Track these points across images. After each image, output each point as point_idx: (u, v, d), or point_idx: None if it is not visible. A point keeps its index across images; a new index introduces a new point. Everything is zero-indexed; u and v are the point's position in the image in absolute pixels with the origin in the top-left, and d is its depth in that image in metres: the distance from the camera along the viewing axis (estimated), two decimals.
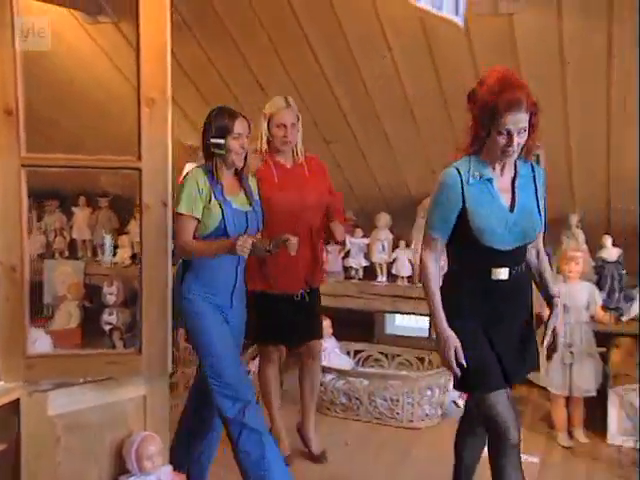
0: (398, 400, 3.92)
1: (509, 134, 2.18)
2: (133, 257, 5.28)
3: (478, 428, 2.63)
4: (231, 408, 2.66)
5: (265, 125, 3.10)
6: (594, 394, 3.73)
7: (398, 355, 4.49)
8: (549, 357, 2.63)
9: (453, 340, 2.32)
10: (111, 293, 5.16)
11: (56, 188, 5.41)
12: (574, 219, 4.16)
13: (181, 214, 2.59)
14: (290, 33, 3.41)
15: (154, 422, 2.65)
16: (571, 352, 3.70)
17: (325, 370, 4.08)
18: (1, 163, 2.26)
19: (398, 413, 3.92)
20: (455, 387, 2.57)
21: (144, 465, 2.53)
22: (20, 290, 2.32)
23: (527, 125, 2.20)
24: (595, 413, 3.79)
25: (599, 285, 3.97)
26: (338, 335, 4.49)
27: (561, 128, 3.55)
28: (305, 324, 3.31)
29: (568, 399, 3.79)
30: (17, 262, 2.31)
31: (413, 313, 4.58)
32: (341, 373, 4.12)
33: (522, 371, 2.57)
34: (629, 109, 3.25)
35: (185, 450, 2.88)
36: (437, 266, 2.39)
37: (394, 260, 4.49)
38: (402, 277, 4.47)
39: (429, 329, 5.17)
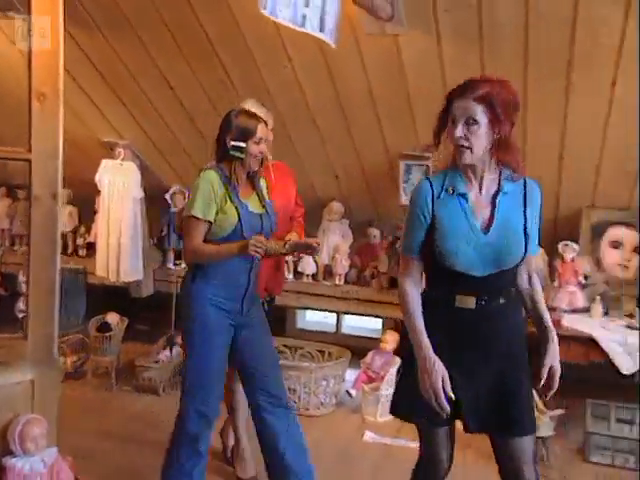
0: (296, 390, 4.03)
1: (454, 122, 1.96)
2: None
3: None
4: (196, 423, 2.67)
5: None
6: None
7: (301, 348, 4.57)
8: (544, 397, 2.19)
9: (441, 368, 1.98)
10: (23, 281, 5.09)
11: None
12: None
13: (194, 217, 2.50)
14: (196, 38, 3.44)
15: (41, 406, 2.63)
16: None
17: None
18: None
19: (295, 402, 4.01)
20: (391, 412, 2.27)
21: (27, 447, 2.51)
22: None
23: (478, 117, 1.92)
24: None
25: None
26: None
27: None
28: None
29: None
30: None
31: (316, 309, 4.70)
32: None
33: (496, 428, 2.12)
34: None
35: None
36: (416, 289, 2.08)
37: (299, 259, 4.58)
38: (307, 275, 4.57)
39: (336, 324, 5.34)
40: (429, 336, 2.01)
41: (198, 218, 2.50)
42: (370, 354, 4.27)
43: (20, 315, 5.00)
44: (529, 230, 2.05)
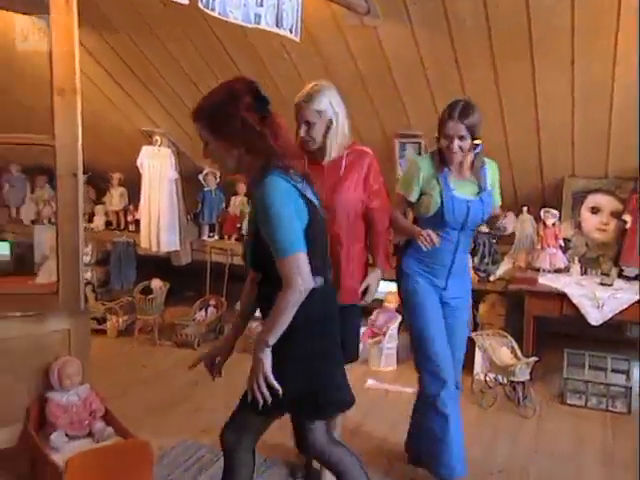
0: None
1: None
2: (107, 224, 5.51)
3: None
4: (430, 385, 2.62)
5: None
6: None
7: None
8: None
9: None
10: (86, 254, 5.39)
11: (46, 165, 5.61)
12: None
13: (397, 192, 2.62)
14: (209, 39, 3.59)
15: (76, 350, 2.88)
16: None
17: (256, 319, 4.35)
18: None
19: None
20: None
21: (64, 382, 2.76)
22: None
23: None
24: (467, 355, 4.05)
25: (473, 251, 4.21)
26: None
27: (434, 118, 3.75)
28: None
29: None
30: None
31: None
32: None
33: None
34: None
35: None
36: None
37: None
38: None
39: None
40: None
41: (399, 193, 2.62)
42: (375, 312, 4.40)
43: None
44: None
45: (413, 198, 2.58)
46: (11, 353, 2.73)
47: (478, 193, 2.54)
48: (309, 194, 1.93)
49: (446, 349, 2.61)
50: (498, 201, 2.70)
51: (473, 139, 2.44)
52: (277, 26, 2.27)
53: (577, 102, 3.32)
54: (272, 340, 1.84)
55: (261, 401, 1.87)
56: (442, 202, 2.49)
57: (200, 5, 1.87)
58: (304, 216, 1.86)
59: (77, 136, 2.58)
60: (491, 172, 2.61)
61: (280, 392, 1.86)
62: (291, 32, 2.39)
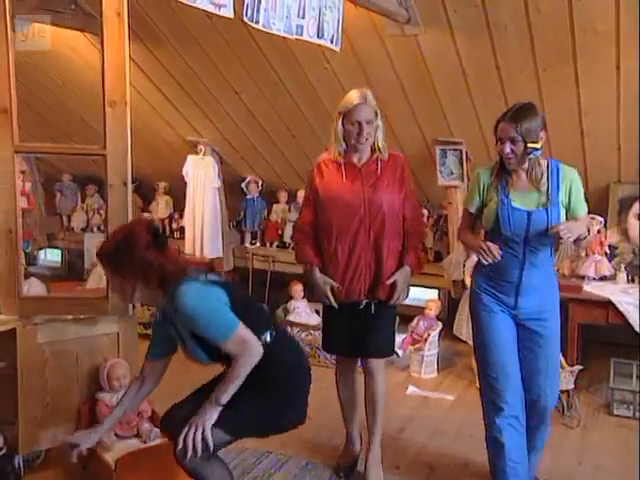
0: None
1: None
2: None
3: None
4: (487, 410, 2.56)
5: (340, 122, 2.56)
6: None
7: None
8: None
9: None
10: None
11: (95, 174, 5.80)
12: None
13: (463, 206, 2.60)
14: (251, 50, 3.67)
15: (125, 353, 2.98)
16: None
17: (293, 325, 4.41)
18: (0, 151, 2.61)
19: None
20: None
21: (113, 384, 2.86)
22: (15, 247, 2.67)
23: None
24: None
25: None
26: (310, 297, 4.78)
27: (476, 129, 3.76)
28: (362, 338, 2.71)
29: None
30: (12, 226, 2.65)
31: None
32: (303, 327, 4.42)
33: None
34: None
35: None
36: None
37: None
38: None
39: None
40: None
41: (464, 207, 2.59)
42: (416, 319, 4.39)
43: None
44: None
45: (473, 209, 2.50)
46: (65, 355, 2.84)
47: (544, 204, 2.34)
48: (218, 278, 2.16)
49: (507, 374, 2.47)
50: (579, 211, 2.39)
51: (528, 143, 2.26)
52: (318, 37, 2.31)
53: (623, 107, 3.27)
54: (224, 400, 2.06)
55: (190, 449, 2.02)
56: (498, 213, 2.37)
57: (245, 19, 1.93)
58: (224, 297, 2.05)
59: (127, 146, 2.66)
60: (567, 181, 2.36)
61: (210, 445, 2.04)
62: (332, 42, 2.43)
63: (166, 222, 5.54)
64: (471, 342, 3.94)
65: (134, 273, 2.03)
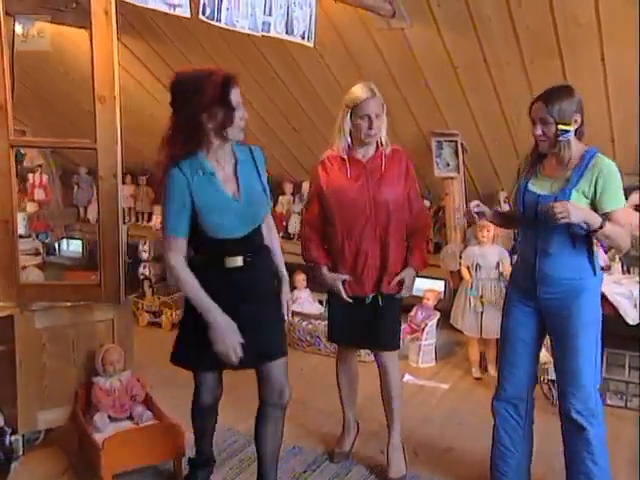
0: None
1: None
2: None
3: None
4: (495, 397, 2.57)
5: (347, 117, 2.53)
6: (499, 336, 3.94)
7: None
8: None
9: (232, 324, 2.11)
10: (145, 251, 5.67)
11: None
12: (502, 195, 4.35)
13: None
14: (248, 46, 3.73)
15: (120, 338, 3.08)
16: (482, 302, 3.95)
17: (294, 314, 4.47)
18: None
19: None
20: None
21: (107, 368, 2.95)
22: (12, 237, 2.78)
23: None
24: None
25: (514, 249, 4.15)
26: (312, 287, 4.84)
27: (470, 120, 3.75)
28: (369, 330, 2.70)
29: (485, 340, 4.04)
30: (9, 217, 2.76)
31: None
32: (305, 316, 4.49)
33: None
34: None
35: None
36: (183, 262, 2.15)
37: None
38: None
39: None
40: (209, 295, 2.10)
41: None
42: (414, 309, 4.41)
43: (141, 277, 5.63)
44: (265, 188, 2.24)
45: (513, 192, 2.45)
46: (62, 340, 2.95)
47: (556, 190, 2.23)
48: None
49: (512, 364, 2.49)
50: (606, 205, 2.19)
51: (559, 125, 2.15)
52: (287, 33, 2.34)
53: (612, 98, 3.24)
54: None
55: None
56: (516, 195, 2.36)
57: (203, 17, 1.98)
58: None
59: (116, 139, 2.74)
60: (594, 170, 2.20)
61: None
62: (303, 38, 2.45)
63: None
64: (466, 332, 4.06)
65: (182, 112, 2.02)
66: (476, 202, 2.47)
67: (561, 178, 2.25)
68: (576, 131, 2.24)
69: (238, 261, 2.18)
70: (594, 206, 2.22)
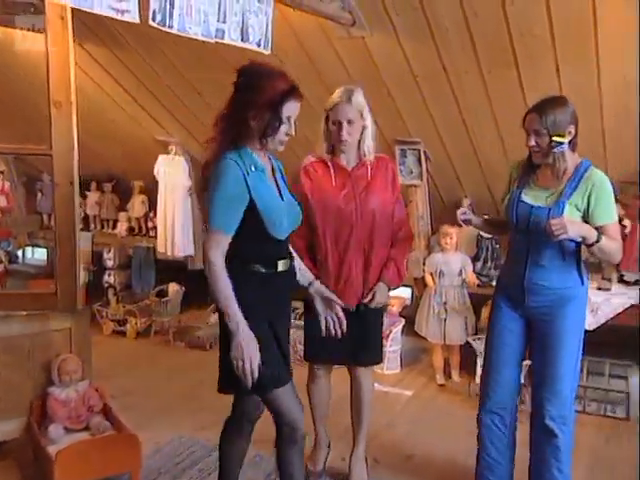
0: None
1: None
2: (130, 229, 5.70)
3: (245, 428, 2.27)
4: (480, 408, 2.55)
5: (323, 121, 2.49)
6: (462, 343, 4.00)
7: None
8: None
9: (254, 340, 1.90)
10: (109, 258, 5.59)
11: None
12: (465, 202, 4.39)
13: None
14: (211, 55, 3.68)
15: (77, 347, 3.02)
16: (445, 309, 3.98)
17: None
18: None
19: None
20: (229, 389, 2.09)
21: (63, 378, 2.90)
22: None
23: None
24: (467, 360, 4.05)
25: (477, 256, 4.20)
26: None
27: (432, 128, 3.79)
28: (353, 345, 2.57)
29: (448, 347, 4.07)
30: None
31: None
32: None
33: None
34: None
35: None
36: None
37: None
38: None
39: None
40: (254, 305, 1.93)
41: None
42: None
43: (105, 286, 5.55)
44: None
45: (504, 200, 2.41)
46: (17, 350, 2.89)
47: (550, 202, 2.23)
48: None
49: (497, 371, 2.47)
50: (599, 219, 2.19)
51: (553, 136, 2.15)
52: (242, 40, 2.33)
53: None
54: None
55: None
56: (507, 204, 2.34)
57: (153, 23, 1.96)
58: None
59: (73, 146, 2.72)
60: (588, 183, 2.19)
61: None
62: (259, 46, 2.45)
63: (142, 221, 5.58)
64: (429, 339, 4.08)
65: (239, 108, 1.92)
66: (463, 209, 2.48)
67: (555, 190, 2.24)
68: (570, 142, 2.23)
69: (287, 264, 2.06)
70: (586, 219, 2.22)
